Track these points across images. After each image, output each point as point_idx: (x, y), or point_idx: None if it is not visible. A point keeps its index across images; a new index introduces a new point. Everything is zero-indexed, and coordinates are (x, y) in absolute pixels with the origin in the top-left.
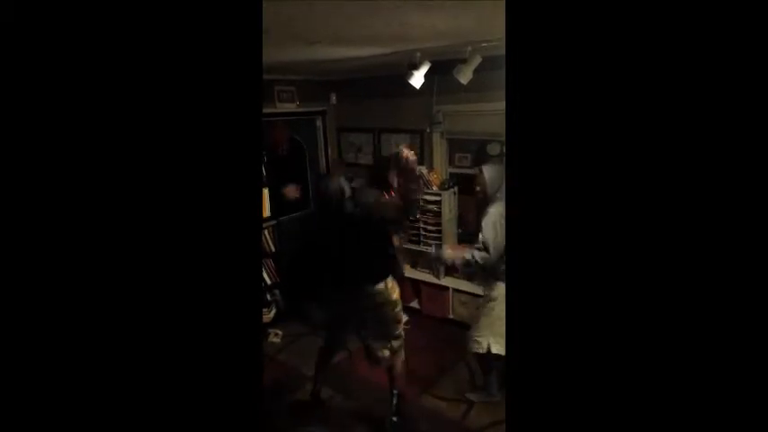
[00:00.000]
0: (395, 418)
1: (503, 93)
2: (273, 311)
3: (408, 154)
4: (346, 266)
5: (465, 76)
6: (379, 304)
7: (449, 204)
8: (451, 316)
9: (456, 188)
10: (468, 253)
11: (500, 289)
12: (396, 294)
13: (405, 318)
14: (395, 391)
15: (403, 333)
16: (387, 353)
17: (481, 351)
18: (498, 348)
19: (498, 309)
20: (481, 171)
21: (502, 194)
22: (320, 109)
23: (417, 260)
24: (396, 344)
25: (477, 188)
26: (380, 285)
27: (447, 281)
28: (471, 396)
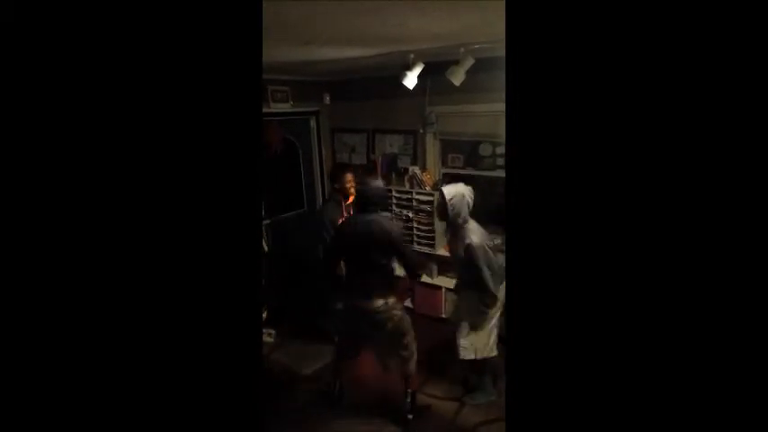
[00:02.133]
0: (410, 416)
1: (495, 94)
2: (266, 311)
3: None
4: (346, 284)
5: (458, 78)
6: (382, 321)
7: None
8: (444, 315)
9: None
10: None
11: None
12: (399, 311)
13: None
14: (409, 391)
15: (413, 342)
16: (395, 363)
17: (470, 357)
18: (486, 352)
19: (491, 313)
20: (442, 194)
21: (466, 216)
22: (314, 109)
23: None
24: (405, 354)
25: (439, 210)
26: (380, 303)
27: (440, 280)
28: (469, 400)
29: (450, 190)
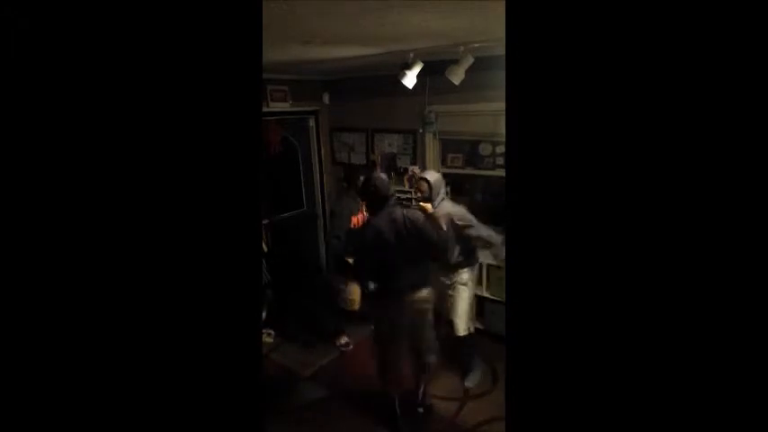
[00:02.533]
0: (421, 409)
1: (495, 93)
2: (265, 311)
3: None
4: (394, 275)
5: (457, 77)
6: (423, 311)
7: None
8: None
9: (449, 188)
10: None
11: (464, 275)
12: (432, 302)
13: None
14: (422, 384)
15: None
16: (432, 358)
17: (465, 333)
18: (470, 328)
19: (468, 292)
20: (426, 180)
21: (443, 195)
22: (313, 108)
23: None
24: (433, 345)
25: (421, 193)
26: (424, 293)
27: None
28: (470, 383)
29: (431, 175)
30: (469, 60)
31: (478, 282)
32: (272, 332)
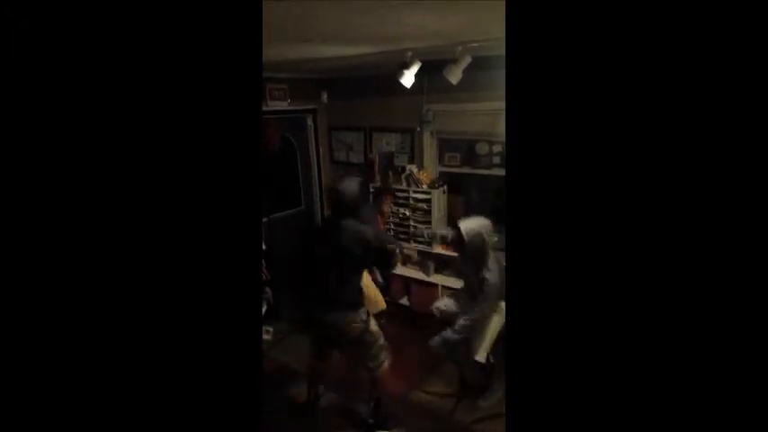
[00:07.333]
0: (371, 420)
1: (492, 92)
2: (264, 309)
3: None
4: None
5: (455, 76)
6: (355, 333)
7: (438, 203)
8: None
9: (445, 187)
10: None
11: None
12: (373, 326)
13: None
14: (375, 396)
15: (383, 352)
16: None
17: (483, 360)
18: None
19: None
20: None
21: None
22: (311, 107)
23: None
24: (372, 364)
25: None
26: (352, 315)
27: (436, 278)
28: (483, 403)
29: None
30: (467, 60)
31: None
32: (271, 330)
